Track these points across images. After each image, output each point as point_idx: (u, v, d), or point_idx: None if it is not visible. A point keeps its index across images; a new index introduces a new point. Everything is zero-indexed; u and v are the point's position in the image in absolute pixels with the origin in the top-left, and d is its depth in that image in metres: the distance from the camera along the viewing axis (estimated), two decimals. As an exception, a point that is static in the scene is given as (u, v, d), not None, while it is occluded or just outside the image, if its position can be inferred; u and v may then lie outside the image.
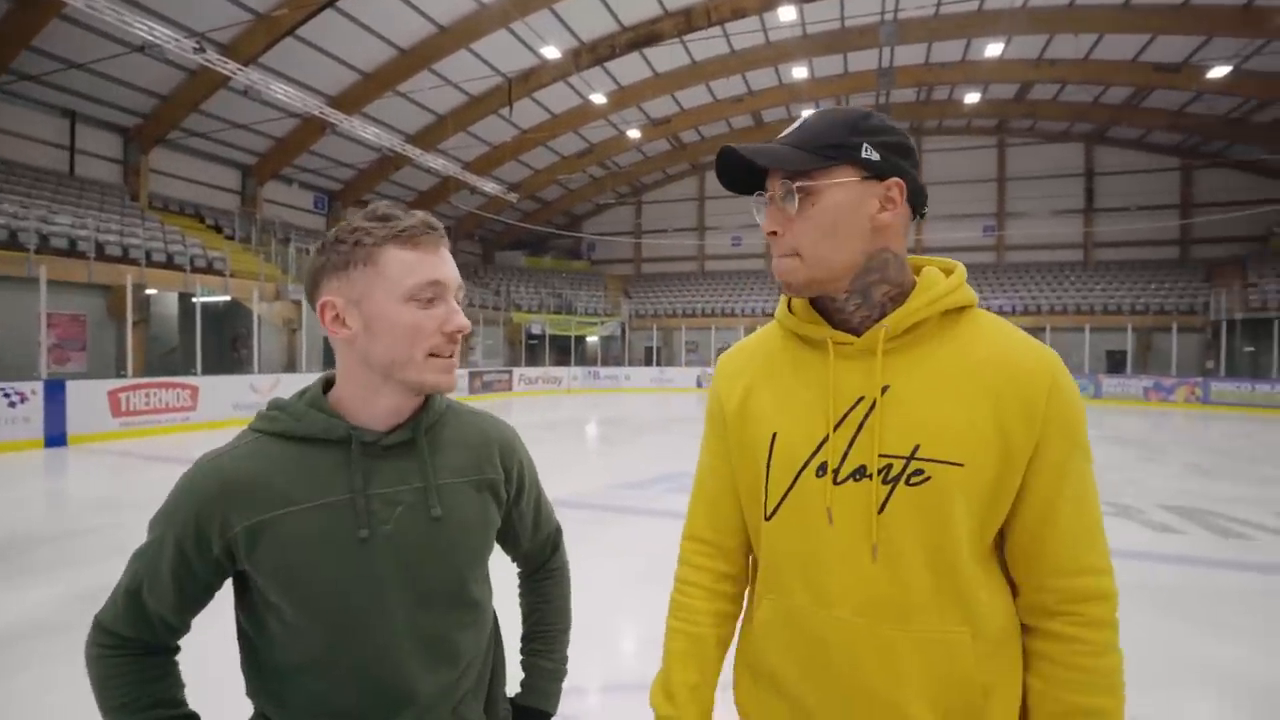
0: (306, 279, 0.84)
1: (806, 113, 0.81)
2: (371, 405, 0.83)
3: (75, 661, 3.06)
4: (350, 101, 17.53)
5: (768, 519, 0.83)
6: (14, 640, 3.07)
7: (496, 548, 0.98)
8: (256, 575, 0.79)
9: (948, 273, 0.83)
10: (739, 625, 0.94)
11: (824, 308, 0.83)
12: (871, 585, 0.76)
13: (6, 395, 8.37)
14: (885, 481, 0.75)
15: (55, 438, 8.80)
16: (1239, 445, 10.81)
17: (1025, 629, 0.79)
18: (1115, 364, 21.45)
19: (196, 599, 0.82)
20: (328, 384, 0.88)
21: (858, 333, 0.80)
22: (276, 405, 0.85)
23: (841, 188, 0.76)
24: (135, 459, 8.16)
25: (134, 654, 0.82)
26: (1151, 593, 3.84)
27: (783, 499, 0.81)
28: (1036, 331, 22.03)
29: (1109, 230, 25.77)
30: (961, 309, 0.80)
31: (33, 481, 6.99)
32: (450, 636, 0.86)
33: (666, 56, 19.14)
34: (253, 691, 0.86)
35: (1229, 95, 19.03)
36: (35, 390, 8.65)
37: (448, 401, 0.94)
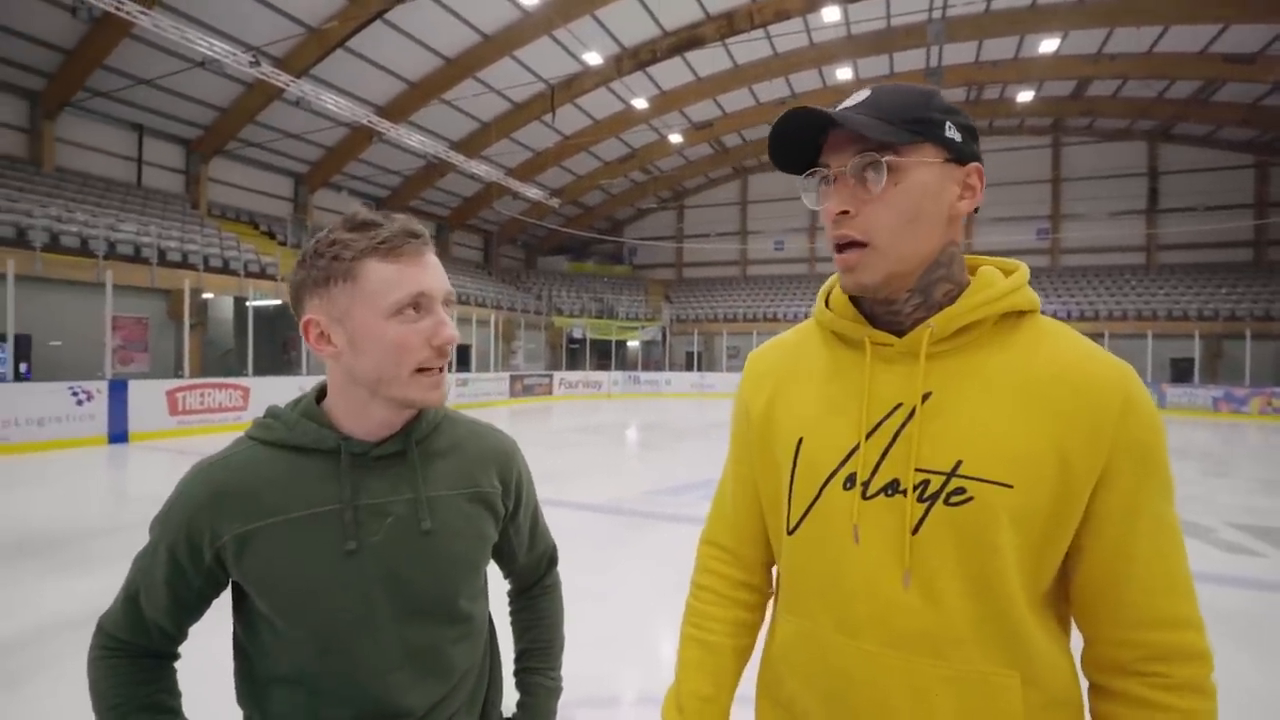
0: (290, 294, 0.82)
1: (863, 89, 0.72)
2: (362, 418, 0.82)
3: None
4: (397, 110, 18.00)
5: (790, 533, 0.75)
6: (67, 627, 3.19)
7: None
8: (246, 584, 0.78)
9: (1007, 273, 0.74)
10: (762, 641, 0.86)
11: (869, 307, 0.74)
12: (903, 615, 0.66)
13: (75, 394, 8.82)
14: (921, 499, 0.66)
15: (118, 435, 9.23)
16: (1320, 461, 10.08)
17: (1092, 689, 0.68)
18: (1181, 373, 20.34)
19: (191, 607, 0.81)
20: (321, 393, 0.86)
21: (901, 334, 0.71)
22: (272, 413, 0.84)
23: (928, 168, 0.67)
24: (190, 456, 8.44)
25: (131, 656, 0.81)
26: (1223, 619, 3.57)
27: (806, 512, 0.73)
28: (1094, 338, 20.97)
29: (1174, 231, 24.51)
30: (1021, 314, 0.71)
31: (95, 476, 7.34)
32: (441, 650, 0.83)
33: (708, 60, 19.07)
34: (243, 700, 0.85)
35: (1308, 87, 17.89)
36: (100, 389, 9.09)
37: (445, 411, 0.91)
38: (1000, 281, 0.71)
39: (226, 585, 0.82)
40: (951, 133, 0.68)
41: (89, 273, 11.59)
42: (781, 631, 0.78)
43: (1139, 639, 0.65)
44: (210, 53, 12.95)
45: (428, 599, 0.82)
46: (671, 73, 19.58)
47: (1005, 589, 0.65)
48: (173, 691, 0.84)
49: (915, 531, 0.66)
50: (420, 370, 0.78)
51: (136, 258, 12.92)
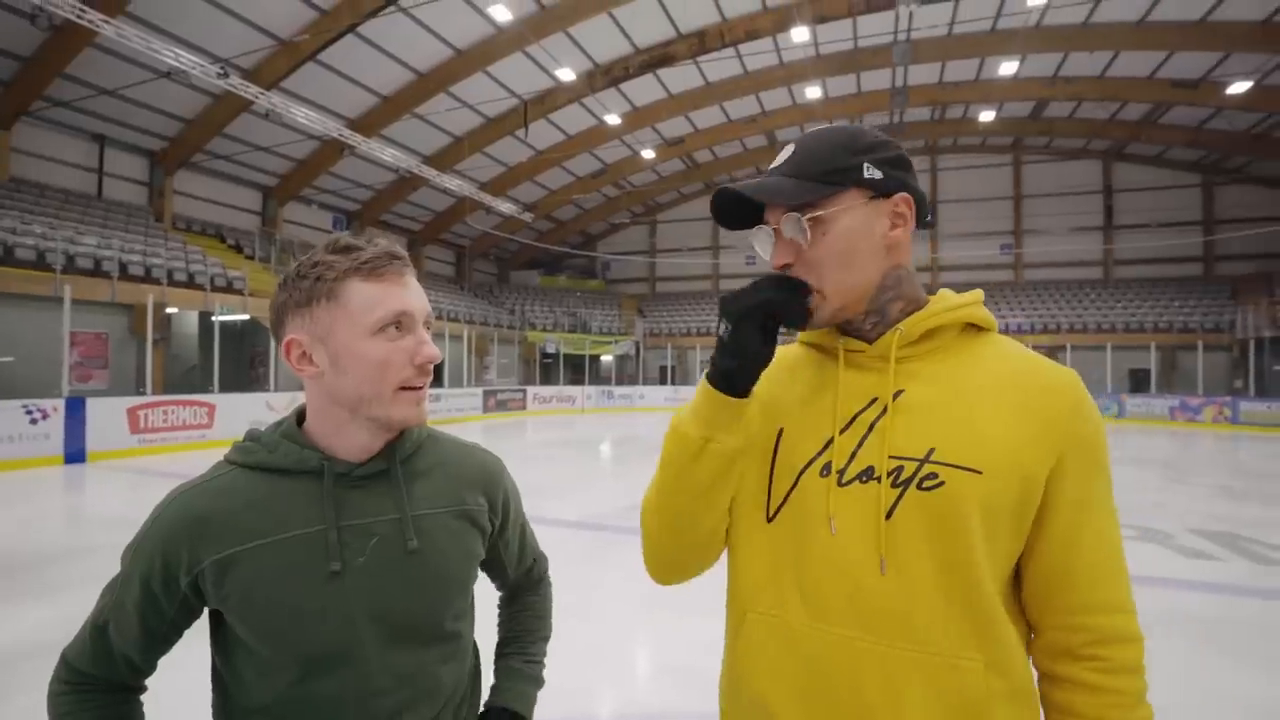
0: (271, 315, 0.82)
1: (789, 144, 0.79)
2: (343, 439, 0.81)
3: None
4: (369, 124, 17.86)
5: (770, 520, 0.77)
6: (20, 658, 3.05)
7: (482, 577, 0.95)
8: (226, 611, 0.76)
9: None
10: (718, 659, 0.85)
11: (841, 323, 0.81)
12: (877, 599, 0.69)
13: (29, 412, 8.49)
14: (895, 485, 0.70)
15: (75, 454, 8.90)
16: (1271, 467, 10.49)
17: (1042, 679, 0.72)
18: (1138, 383, 21.03)
19: (163, 638, 0.80)
20: (301, 416, 0.85)
21: (870, 342, 0.77)
22: (252, 437, 0.83)
23: (850, 213, 0.73)
24: (152, 476, 8.22)
25: (96, 691, 0.79)
26: (1183, 623, 3.69)
27: (785, 500, 0.75)
28: (1057, 350, 21.71)
29: (1129, 247, 25.46)
30: (980, 330, 0.78)
31: (50, 498, 7.05)
32: (429, 671, 0.83)
33: (680, 77, 19.34)
34: None
35: (1250, 111, 18.81)
36: (56, 407, 8.77)
37: (428, 430, 0.91)
38: (956, 296, 0.78)
39: (200, 614, 0.80)
40: (870, 173, 0.73)
41: (46, 287, 11.21)
42: (748, 630, 0.78)
43: (1085, 623, 0.69)
44: (176, 63, 12.72)
45: (415, 619, 0.81)
46: (644, 89, 19.80)
47: (975, 575, 0.68)
48: None
49: (889, 516, 0.70)
50: (403, 389, 0.79)
51: (97, 271, 12.55)
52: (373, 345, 0.77)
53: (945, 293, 0.80)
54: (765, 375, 0.84)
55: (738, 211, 0.79)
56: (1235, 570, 4.71)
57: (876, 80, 20.16)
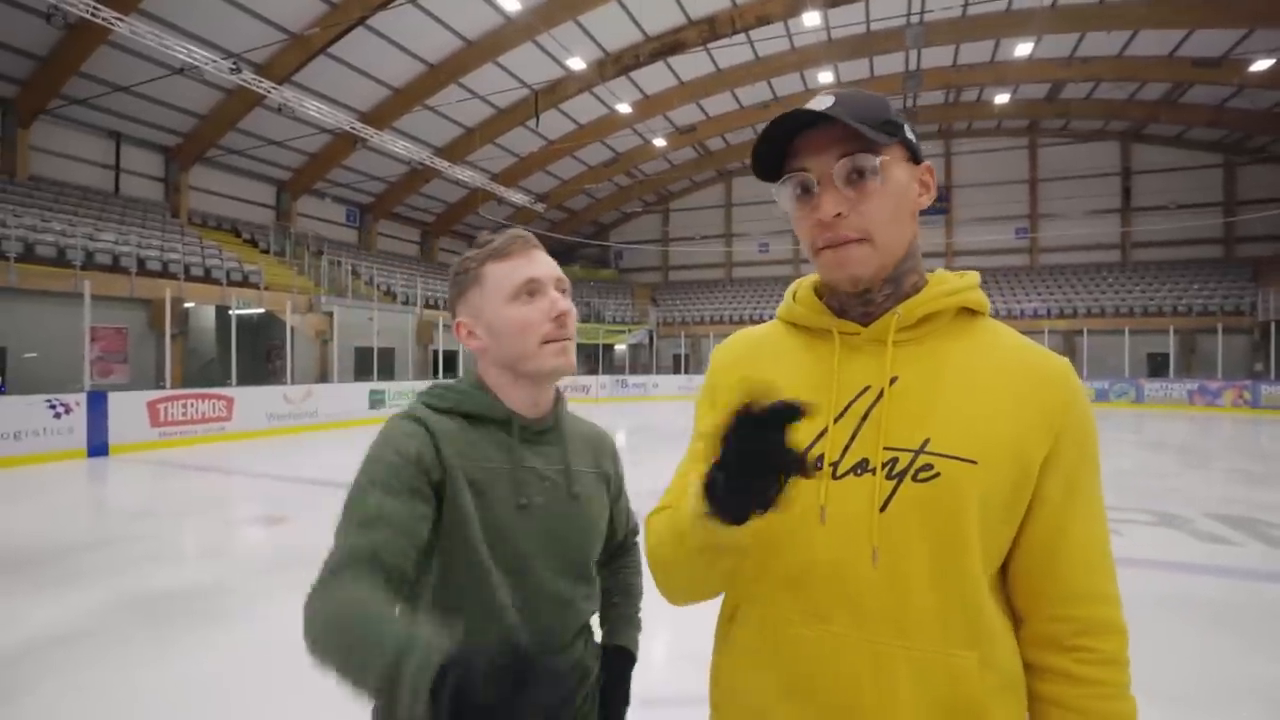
0: (448, 309, 1.03)
1: (824, 94, 0.72)
2: (513, 397, 0.97)
3: (106, 668, 3.12)
4: (380, 116, 17.92)
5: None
6: (48, 647, 3.16)
7: None
8: (453, 514, 0.88)
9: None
10: (708, 653, 0.83)
11: (836, 302, 0.77)
12: (870, 594, 0.67)
13: (52, 406, 8.68)
14: (890, 477, 0.68)
15: (97, 447, 9.09)
16: (1292, 452, 10.34)
17: (1027, 669, 0.70)
18: (1157, 367, 20.74)
19: (420, 536, 0.82)
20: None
21: (866, 325, 0.75)
22: (442, 387, 0.98)
23: (902, 167, 0.71)
24: (172, 468, 8.39)
25: (357, 600, 0.74)
26: (1201, 607, 3.68)
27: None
28: (1073, 334, 21.46)
29: (1148, 230, 25.03)
30: (975, 314, 0.76)
31: (74, 490, 7.22)
32: (578, 606, 0.98)
33: (691, 65, 19.19)
34: (433, 600, 0.89)
35: (1273, 89, 18.37)
36: (79, 402, 8.95)
37: (565, 406, 1.07)
38: (954, 278, 0.76)
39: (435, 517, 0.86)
40: (909, 134, 0.73)
41: (66, 283, 11.41)
42: (738, 624, 0.77)
43: (1071, 614, 0.68)
44: (189, 59, 12.84)
45: (574, 555, 0.96)
46: (654, 77, 19.68)
47: (968, 568, 0.67)
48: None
49: (883, 509, 0.67)
50: (546, 342, 0.93)
51: (115, 267, 12.75)
52: (513, 310, 0.93)
53: (942, 273, 0.77)
54: (747, 355, 0.84)
55: (769, 158, 0.74)
56: (1252, 554, 4.67)
57: (890, 64, 19.89)
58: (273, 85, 14.47)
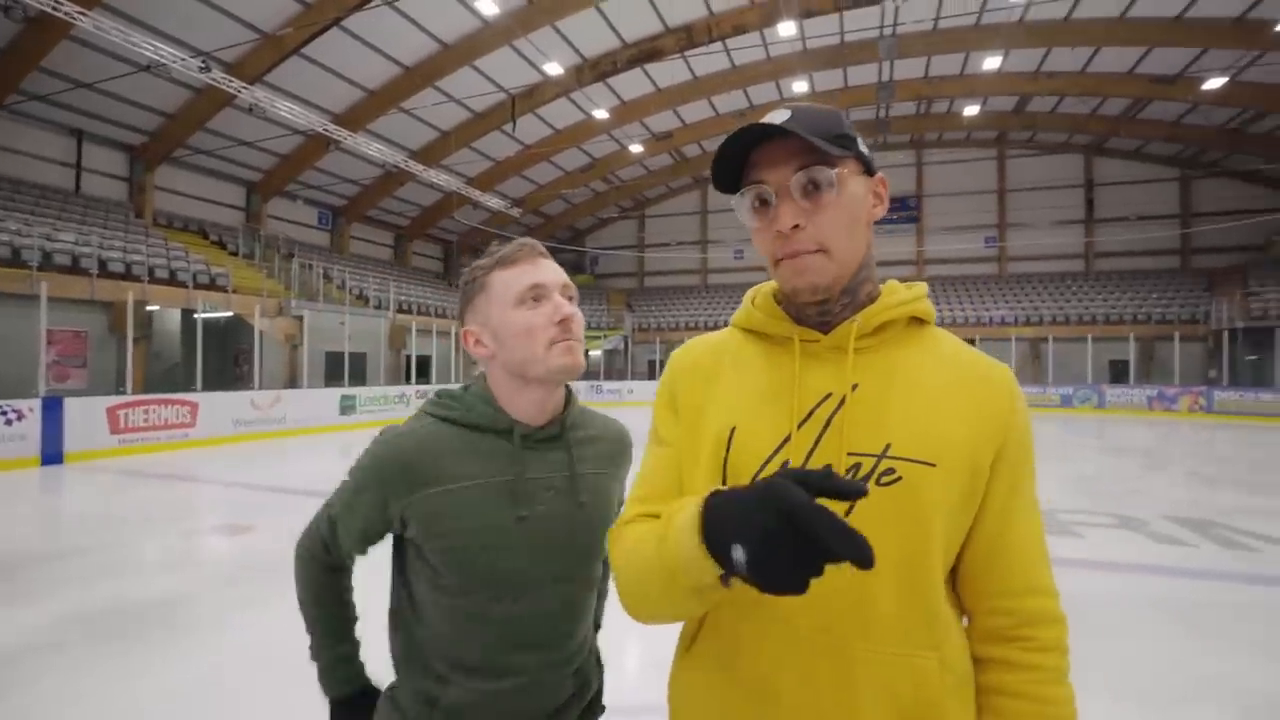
0: (458, 320, 1.05)
1: (779, 109, 0.73)
2: (519, 404, 0.98)
3: (66, 681, 3.00)
4: (354, 118, 17.70)
5: None
6: (6, 663, 3.04)
7: None
8: (424, 541, 0.92)
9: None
10: (669, 662, 0.83)
11: (795, 310, 0.78)
12: (834, 597, 0.68)
13: (3, 413, 8.36)
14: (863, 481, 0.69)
15: (52, 455, 8.78)
16: (1243, 454, 10.72)
17: (975, 663, 0.73)
18: (1118, 374, 21.36)
19: (371, 541, 0.99)
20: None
21: (826, 332, 0.76)
22: (448, 395, 1.00)
23: (856, 179, 0.73)
24: (133, 476, 8.14)
25: (317, 562, 1.02)
26: (1159, 607, 3.79)
27: None
28: (1039, 341, 22.00)
29: (1110, 240, 25.79)
30: (923, 322, 0.79)
31: (27, 500, 6.96)
32: (585, 605, 1.01)
33: (668, 72, 19.30)
34: (402, 658, 0.99)
35: (1225, 106, 19.12)
36: (32, 408, 8.64)
37: (581, 405, 1.09)
38: (904, 290, 0.79)
39: (397, 533, 0.98)
40: (863, 147, 0.75)
41: (22, 284, 11.02)
42: (705, 630, 0.77)
43: (1015, 606, 0.72)
44: (156, 57, 12.54)
45: (577, 561, 0.98)
46: (632, 84, 19.76)
47: (929, 570, 0.69)
48: (349, 589, 1.07)
49: (848, 514, 0.68)
50: (553, 343, 0.94)
51: (75, 268, 12.37)
52: (518, 315, 0.94)
53: (894, 284, 0.80)
54: (706, 361, 0.83)
55: (722, 173, 0.75)
56: (1205, 555, 4.83)
57: (863, 75, 20.25)
58: (243, 85, 14.21)
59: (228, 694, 2.75)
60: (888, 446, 0.70)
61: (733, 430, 0.75)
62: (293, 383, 14.98)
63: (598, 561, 1.01)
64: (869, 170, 0.76)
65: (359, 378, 16.60)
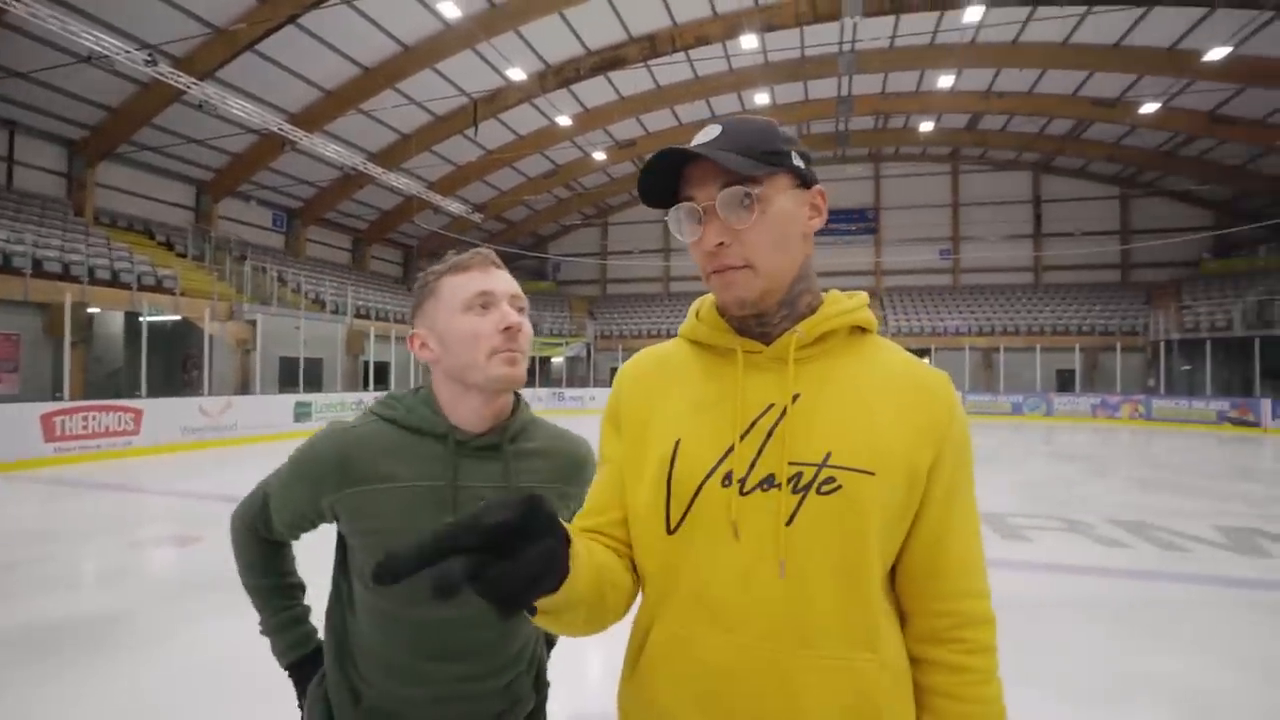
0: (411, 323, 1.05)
1: (711, 124, 0.75)
2: (461, 410, 0.98)
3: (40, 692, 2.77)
4: (311, 118, 17.27)
5: (671, 532, 0.74)
6: (-75, 684, 2.84)
7: None
8: (355, 536, 0.95)
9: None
10: (615, 676, 0.83)
11: (738, 322, 0.79)
12: (777, 605, 0.69)
13: (-70, 419, 7.87)
14: (795, 491, 0.70)
15: (-17, 464, 8.30)
16: (1178, 459, 11.27)
17: (913, 663, 0.75)
18: (1065, 383, 22.24)
19: (303, 529, 1.03)
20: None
21: (768, 343, 0.77)
22: (393, 397, 1.02)
23: (785, 194, 0.74)
24: (69, 486, 7.74)
25: (254, 535, 1.05)
26: (1099, 607, 3.94)
27: (686, 511, 0.73)
28: (991, 351, 22.74)
29: (1057, 254, 26.88)
30: (865, 331, 0.81)
31: (-44, 511, 6.54)
32: (511, 620, 1.00)
33: (631, 80, 19.41)
34: (332, 653, 1.01)
35: (1160, 130, 20.18)
36: (-38, 414, 8.16)
37: (531, 415, 1.08)
38: (846, 299, 0.80)
39: (331, 524, 1.00)
40: (797, 161, 0.75)
41: (-51, 284, 10.41)
42: (650, 643, 0.76)
43: (951, 609, 0.74)
44: (97, 47, 12.02)
45: None
46: (595, 91, 19.79)
47: (868, 575, 0.70)
48: (288, 560, 1.11)
49: (789, 523, 0.70)
50: (495, 352, 0.95)
51: (6, 268, 11.73)
52: (464, 320, 0.95)
53: (835, 293, 0.81)
54: (650, 375, 0.84)
55: (658, 187, 0.77)
56: (1145, 556, 5.05)
57: (824, 89, 20.70)
58: (193, 80, 13.72)
59: (174, 711, 2.62)
60: (828, 455, 0.71)
61: (677, 442, 0.76)
62: (245, 389, 14.48)
63: None
64: (805, 183, 0.76)
65: (315, 384, 16.14)
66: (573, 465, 1.07)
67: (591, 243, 32.34)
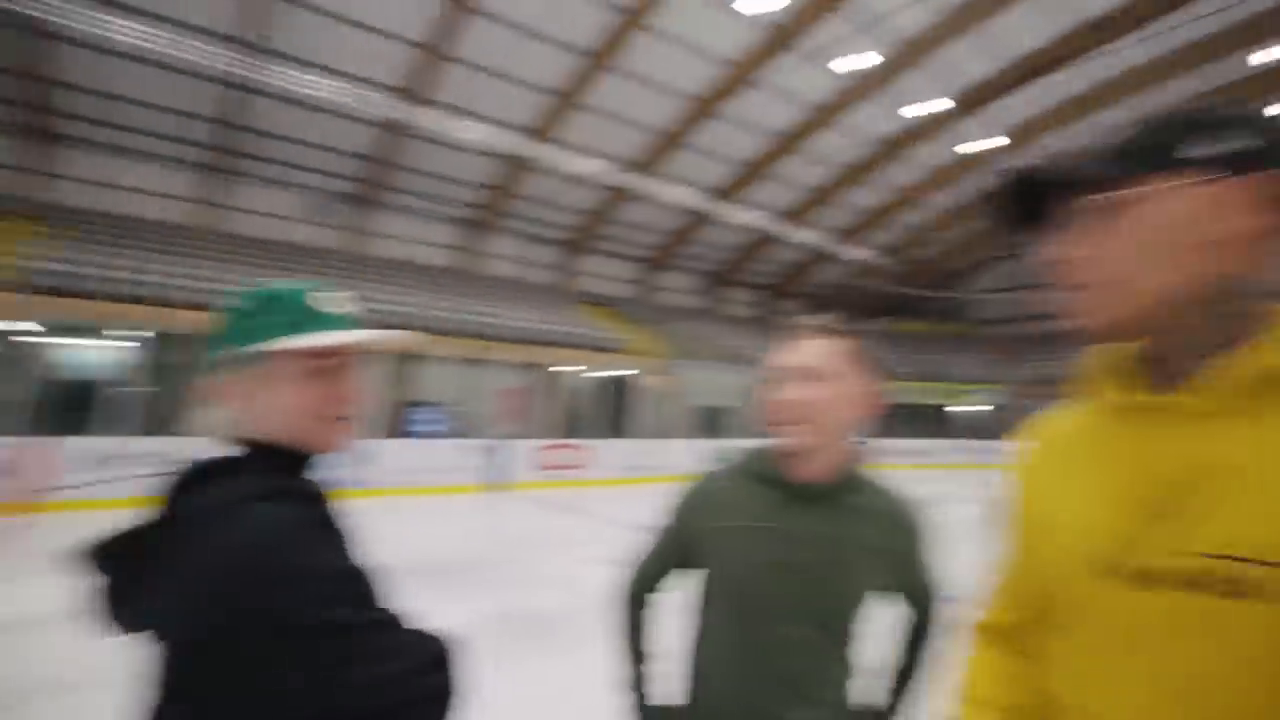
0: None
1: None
2: (794, 462, 1.09)
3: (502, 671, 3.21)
4: (734, 188, 19.17)
5: (1059, 634, 0.67)
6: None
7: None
8: (709, 565, 1.13)
9: None
10: None
11: (1146, 361, 0.66)
12: None
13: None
14: (1223, 595, 0.54)
15: (495, 482, 11.12)
16: None
17: None
18: None
19: (672, 568, 1.23)
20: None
21: (1174, 388, 0.62)
22: (741, 450, 1.17)
23: (1166, 195, 0.59)
24: (541, 505, 9.78)
25: (632, 599, 1.26)
26: None
27: (1073, 608, 0.64)
28: None
29: None
30: None
31: (475, 518, 8.85)
32: (828, 654, 1.08)
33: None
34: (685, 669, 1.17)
35: None
36: (488, 446, 11.14)
37: (867, 474, 1.14)
38: None
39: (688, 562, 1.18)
40: (1195, 149, 0.58)
41: (474, 348, 14.49)
42: None
43: None
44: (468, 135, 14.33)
45: (830, 614, 1.07)
46: (1018, 107, 17.24)
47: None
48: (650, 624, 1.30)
49: (1201, 632, 0.56)
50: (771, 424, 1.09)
51: (514, 338, 15.59)
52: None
53: None
54: (1042, 452, 0.76)
55: (1024, 208, 0.71)
56: None
57: None
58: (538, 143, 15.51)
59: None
60: (1260, 546, 0.54)
61: (1055, 525, 0.69)
62: (666, 434, 16.48)
63: (850, 622, 1.08)
64: (1233, 170, 0.58)
65: (724, 430, 17.47)
66: (903, 525, 1.15)
67: (1010, 276, 27.84)
